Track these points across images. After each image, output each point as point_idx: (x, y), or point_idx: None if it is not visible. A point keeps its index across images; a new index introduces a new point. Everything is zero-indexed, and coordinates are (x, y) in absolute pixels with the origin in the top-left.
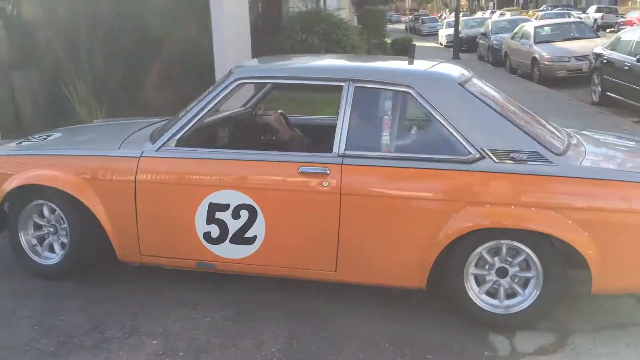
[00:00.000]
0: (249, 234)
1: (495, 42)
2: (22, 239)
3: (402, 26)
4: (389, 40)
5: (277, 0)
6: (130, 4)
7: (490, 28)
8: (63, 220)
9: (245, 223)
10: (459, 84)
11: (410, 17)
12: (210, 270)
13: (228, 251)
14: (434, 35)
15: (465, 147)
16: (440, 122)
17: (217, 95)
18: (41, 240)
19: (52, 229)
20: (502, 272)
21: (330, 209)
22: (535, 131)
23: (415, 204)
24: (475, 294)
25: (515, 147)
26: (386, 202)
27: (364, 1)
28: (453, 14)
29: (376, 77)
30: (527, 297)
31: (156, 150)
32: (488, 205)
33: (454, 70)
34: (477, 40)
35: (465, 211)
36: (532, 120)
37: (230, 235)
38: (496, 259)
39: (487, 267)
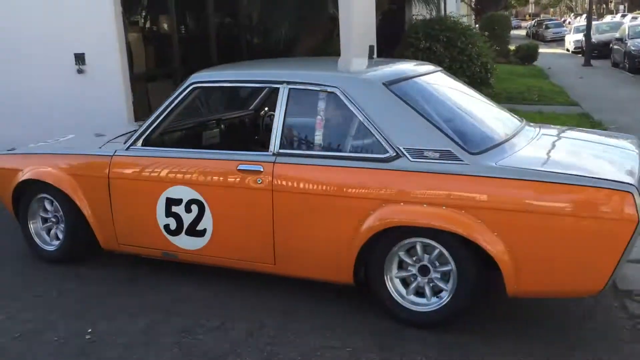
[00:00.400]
0: (199, 227)
1: (633, 48)
2: (31, 227)
3: (522, 32)
4: (512, 47)
5: (400, 7)
6: (258, 15)
7: (627, 32)
8: (60, 212)
9: (196, 216)
10: (384, 84)
11: (532, 22)
12: (174, 260)
13: (185, 242)
14: (558, 41)
15: (384, 146)
16: (363, 122)
17: (175, 98)
18: (47, 229)
19: (54, 220)
20: (423, 271)
21: (264, 205)
22: (463, 129)
23: (338, 202)
24: (397, 291)
25: (429, 145)
26: (312, 199)
27: (485, 7)
28: (579, 18)
29: (307, 79)
30: (444, 296)
31: (126, 150)
32: (402, 204)
33: (393, 71)
34: (610, 45)
35: (382, 209)
36: (477, 119)
37: (185, 228)
38: (416, 257)
39: (408, 265)
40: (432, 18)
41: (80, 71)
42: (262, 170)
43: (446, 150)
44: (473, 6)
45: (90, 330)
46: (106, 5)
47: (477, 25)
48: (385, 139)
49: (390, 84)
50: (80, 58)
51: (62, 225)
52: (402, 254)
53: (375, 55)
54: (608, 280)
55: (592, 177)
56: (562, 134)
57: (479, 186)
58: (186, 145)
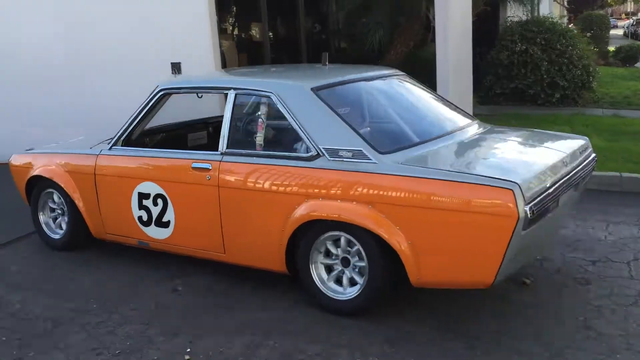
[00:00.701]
0: (164, 219)
1: None
2: (40, 217)
3: (619, 32)
4: (611, 49)
5: (494, 8)
6: (351, 21)
7: None
8: (64, 204)
9: (161, 209)
10: (312, 90)
11: (631, 21)
12: (147, 248)
13: (155, 232)
14: None
15: (307, 146)
16: (292, 124)
17: (146, 104)
18: (54, 218)
19: (60, 211)
20: (345, 262)
21: (213, 200)
22: (378, 131)
23: (270, 197)
24: (320, 279)
25: (344, 146)
26: (249, 194)
27: (579, 6)
28: None
29: (249, 86)
30: (357, 288)
31: (108, 149)
32: (321, 199)
33: (328, 77)
34: None
35: (304, 204)
36: (401, 121)
37: (154, 219)
38: (339, 249)
39: (333, 255)
40: (528, 19)
41: None
42: (210, 168)
43: (358, 150)
44: (567, 6)
45: (188, 350)
46: (202, 15)
47: (571, 26)
48: (309, 139)
49: (319, 89)
50: (176, 67)
51: (66, 217)
52: (329, 243)
53: (327, 62)
54: (497, 273)
55: (479, 175)
56: (502, 136)
57: (383, 183)
58: (157, 146)
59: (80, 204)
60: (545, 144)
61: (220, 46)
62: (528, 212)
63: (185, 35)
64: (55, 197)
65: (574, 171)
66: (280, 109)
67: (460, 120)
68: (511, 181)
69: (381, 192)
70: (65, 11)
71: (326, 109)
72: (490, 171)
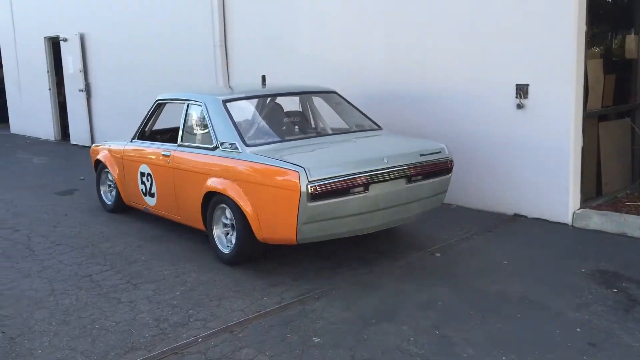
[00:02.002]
0: (152, 190)
1: None
2: (100, 189)
3: None
4: None
5: None
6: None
7: None
8: (111, 181)
9: (150, 184)
10: (223, 101)
11: None
12: (146, 212)
13: (149, 201)
14: None
15: (212, 140)
16: (209, 124)
17: (150, 109)
18: (109, 191)
19: (111, 186)
20: (231, 226)
21: (171, 177)
22: (252, 131)
23: (193, 176)
24: (217, 237)
25: (228, 140)
26: (184, 173)
27: None
28: None
29: (194, 98)
30: (232, 245)
31: (130, 142)
32: (214, 177)
33: (239, 92)
34: None
35: (209, 180)
36: (278, 126)
37: (148, 191)
38: (229, 217)
39: (227, 220)
40: None
41: (520, 106)
42: (169, 154)
43: (233, 143)
44: None
45: None
46: (567, 26)
47: None
48: (214, 135)
49: (227, 101)
50: (522, 90)
51: (113, 190)
52: (227, 211)
53: (265, 83)
54: (296, 232)
55: (286, 162)
56: (364, 139)
57: (241, 166)
58: (152, 140)
59: (115, 179)
60: (388, 145)
61: (585, 67)
62: (309, 189)
63: (541, 52)
64: (110, 176)
65: (398, 167)
66: (205, 114)
67: (341, 126)
68: (300, 166)
69: (239, 172)
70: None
71: (226, 116)
72: (293, 159)
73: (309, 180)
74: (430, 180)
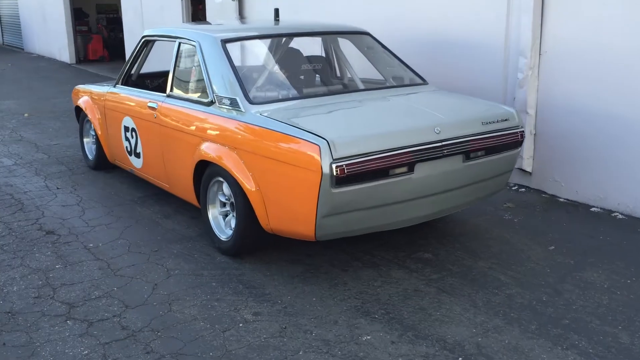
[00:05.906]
0: (137, 150)
1: None
2: (84, 141)
3: None
4: None
5: None
6: None
7: None
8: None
9: (135, 141)
10: (222, 41)
11: None
12: (132, 174)
13: (134, 162)
14: None
15: (208, 93)
16: (203, 72)
17: (134, 50)
18: (91, 143)
19: (95, 138)
20: (232, 205)
21: (158, 136)
22: (259, 83)
23: (184, 137)
24: (214, 218)
25: (227, 94)
26: (174, 133)
27: None
28: None
29: (187, 36)
30: (232, 231)
31: (113, 87)
32: (209, 142)
33: (244, 30)
34: None
35: (202, 145)
36: (296, 76)
37: (133, 150)
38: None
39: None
40: None
41: None
42: (156, 107)
43: (234, 99)
44: None
45: None
46: None
47: None
48: (210, 87)
49: (227, 42)
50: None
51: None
52: (225, 187)
53: (278, 19)
54: (314, 227)
55: (301, 129)
56: (402, 97)
57: (243, 131)
58: (139, 87)
59: (97, 130)
60: (446, 107)
61: None
62: (334, 169)
63: None
64: (92, 128)
65: (454, 140)
66: (199, 56)
67: (374, 79)
68: (321, 137)
69: (240, 139)
70: None
71: (226, 62)
72: (312, 125)
73: (334, 157)
74: (495, 157)
